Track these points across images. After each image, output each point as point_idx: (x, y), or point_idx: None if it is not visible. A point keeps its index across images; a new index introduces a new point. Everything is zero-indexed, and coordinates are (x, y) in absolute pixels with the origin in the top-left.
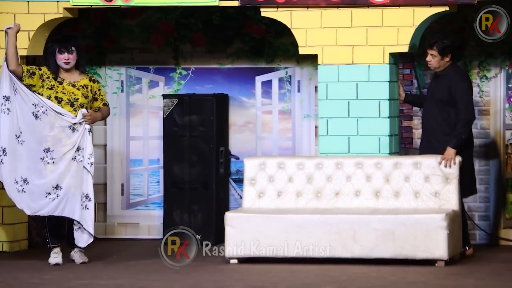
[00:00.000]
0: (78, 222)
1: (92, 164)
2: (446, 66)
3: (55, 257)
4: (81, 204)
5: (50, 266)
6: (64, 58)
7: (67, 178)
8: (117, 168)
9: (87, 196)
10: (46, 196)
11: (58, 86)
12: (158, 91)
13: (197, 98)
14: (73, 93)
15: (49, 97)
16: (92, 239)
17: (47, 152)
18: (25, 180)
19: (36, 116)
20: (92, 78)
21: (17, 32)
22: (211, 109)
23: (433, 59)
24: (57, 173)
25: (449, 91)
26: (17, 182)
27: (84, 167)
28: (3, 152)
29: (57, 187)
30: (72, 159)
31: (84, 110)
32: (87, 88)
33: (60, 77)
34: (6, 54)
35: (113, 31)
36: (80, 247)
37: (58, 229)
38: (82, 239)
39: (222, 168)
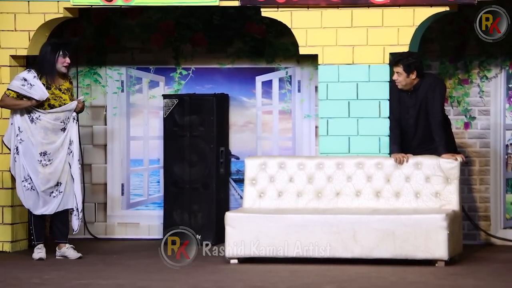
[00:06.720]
0: (76, 209)
1: (72, 152)
2: (415, 83)
3: (39, 252)
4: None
5: (50, 266)
6: (66, 62)
7: (65, 172)
8: (117, 168)
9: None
10: (50, 195)
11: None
12: (158, 91)
13: (197, 98)
14: (61, 97)
15: (42, 105)
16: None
17: (43, 155)
18: (31, 178)
19: (32, 120)
20: (70, 80)
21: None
22: (211, 109)
23: (399, 76)
24: (57, 173)
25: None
26: (26, 179)
27: (71, 152)
28: (30, 178)
29: (58, 184)
30: (68, 154)
31: (82, 97)
32: (69, 91)
33: (48, 82)
34: (17, 104)
35: (114, 31)
36: (65, 241)
37: (42, 226)
38: (76, 223)
39: (222, 168)
